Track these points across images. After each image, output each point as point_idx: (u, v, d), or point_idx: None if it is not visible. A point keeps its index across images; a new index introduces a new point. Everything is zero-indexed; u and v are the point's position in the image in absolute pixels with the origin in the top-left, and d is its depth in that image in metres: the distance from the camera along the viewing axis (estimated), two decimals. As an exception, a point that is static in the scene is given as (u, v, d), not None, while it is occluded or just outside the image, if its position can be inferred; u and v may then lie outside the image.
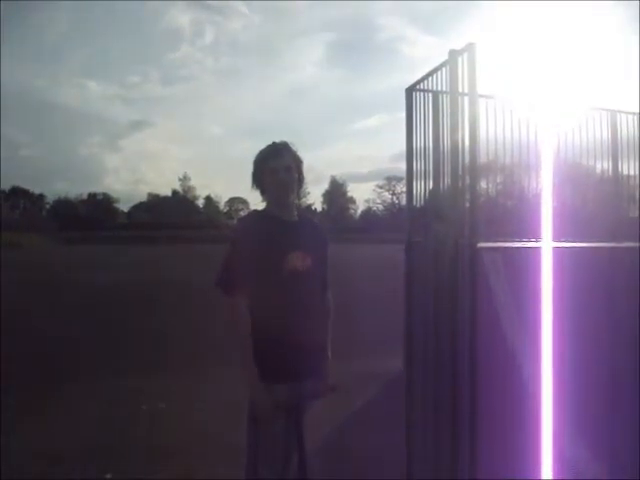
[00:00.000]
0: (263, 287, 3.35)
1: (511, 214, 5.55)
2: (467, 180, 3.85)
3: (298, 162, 3.67)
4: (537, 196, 5.21)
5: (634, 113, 5.62)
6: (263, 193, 3.65)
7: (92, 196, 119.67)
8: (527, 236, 4.42)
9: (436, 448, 3.99)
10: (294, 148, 3.66)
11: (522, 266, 4.05)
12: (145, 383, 8.50)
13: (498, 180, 5.75)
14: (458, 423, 3.75)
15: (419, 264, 4.41)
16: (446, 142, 3.98)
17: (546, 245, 4.00)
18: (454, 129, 3.82)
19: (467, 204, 3.90)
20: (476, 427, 3.70)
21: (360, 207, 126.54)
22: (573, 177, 5.44)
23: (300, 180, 3.70)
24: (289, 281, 3.41)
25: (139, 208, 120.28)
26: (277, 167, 3.53)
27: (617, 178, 5.16)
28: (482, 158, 5.08)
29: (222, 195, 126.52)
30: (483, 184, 5.75)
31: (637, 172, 5.25)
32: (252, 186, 3.65)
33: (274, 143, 3.60)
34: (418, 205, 4.49)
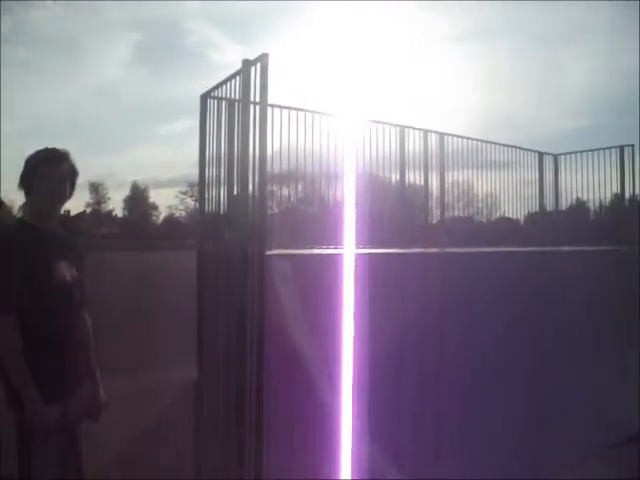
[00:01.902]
0: (28, 302, 3.13)
1: (312, 221, 5.67)
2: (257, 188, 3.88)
3: (74, 174, 3.44)
4: (337, 204, 5.39)
5: (420, 129, 6.07)
6: (27, 196, 3.39)
7: None
8: (328, 243, 4.54)
9: (224, 449, 4.00)
10: (72, 159, 3.43)
11: (316, 273, 4.16)
12: None
13: (299, 188, 5.88)
14: (244, 426, 3.78)
15: (210, 272, 4.39)
16: (239, 150, 4.00)
17: (348, 251, 4.11)
18: (245, 137, 3.85)
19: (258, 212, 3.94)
20: (262, 430, 3.75)
21: (163, 213, 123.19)
22: (369, 186, 5.71)
23: (71, 193, 3.48)
24: (56, 294, 3.20)
25: None
26: (51, 176, 3.24)
27: (404, 188, 5.50)
28: (283, 166, 5.19)
29: (16, 199, 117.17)
30: (285, 192, 5.87)
31: (423, 183, 5.68)
32: (19, 186, 3.38)
33: (54, 149, 3.36)
34: (211, 212, 4.48)
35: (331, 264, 4.20)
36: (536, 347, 5.24)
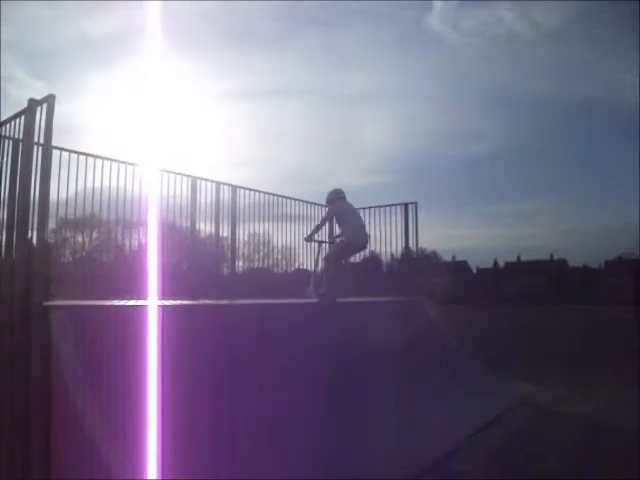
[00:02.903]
0: None
1: (108, 270, 5.46)
2: (37, 234, 3.65)
3: None
4: (135, 253, 5.22)
5: (212, 181, 6.13)
6: None
7: None
8: (124, 293, 4.37)
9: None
10: None
11: (107, 324, 3.96)
12: None
13: (95, 235, 5.64)
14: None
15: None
16: (19, 193, 3.75)
17: (152, 303, 3.98)
18: (25, 179, 3.62)
19: (43, 260, 3.71)
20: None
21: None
22: (164, 236, 5.61)
23: None
24: None
25: None
26: None
27: (195, 239, 5.49)
28: (80, 212, 4.94)
29: None
30: (79, 239, 5.59)
31: (214, 233, 5.72)
32: None
33: None
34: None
35: (122, 316, 4.05)
36: (330, 392, 5.35)
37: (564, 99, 78.12)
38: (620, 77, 74.04)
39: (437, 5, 73.04)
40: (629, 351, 11.55)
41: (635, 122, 70.54)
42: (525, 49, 74.31)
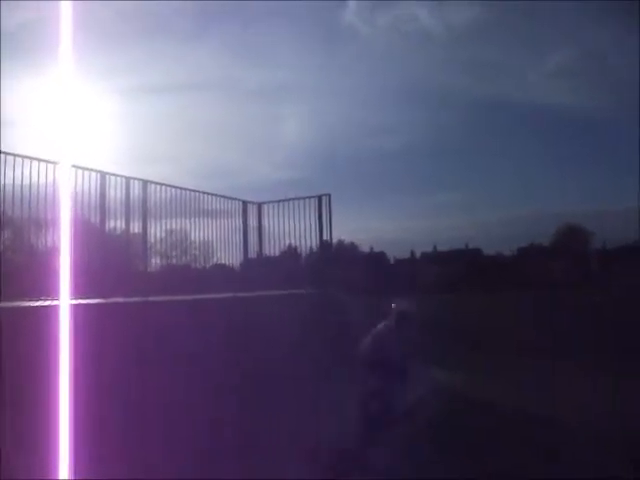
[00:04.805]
0: None
1: (20, 270, 5.34)
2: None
3: None
4: (48, 252, 5.11)
5: (122, 176, 6.03)
6: None
7: None
8: (37, 293, 4.29)
9: None
10: None
11: (8, 325, 3.90)
12: None
13: (6, 235, 5.50)
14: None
15: None
16: None
17: (64, 303, 3.92)
18: None
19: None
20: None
21: None
22: (75, 233, 5.52)
23: None
24: None
25: None
26: None
27: (104, 235, 5.41)
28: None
29: None
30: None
31: (124, 229, 5.65)
32: None
33: None
34: None
35: (29, 316, 4.00)
36: (234, 389, 5.37)
37: (475, 96, 79.93)
38: (526, 77, 76.68)
39: (352, 1, 73.87)
40: (540, 337, 12.01)
41: (542, 119, 73.46)
42: (438, 46, 75.97)
